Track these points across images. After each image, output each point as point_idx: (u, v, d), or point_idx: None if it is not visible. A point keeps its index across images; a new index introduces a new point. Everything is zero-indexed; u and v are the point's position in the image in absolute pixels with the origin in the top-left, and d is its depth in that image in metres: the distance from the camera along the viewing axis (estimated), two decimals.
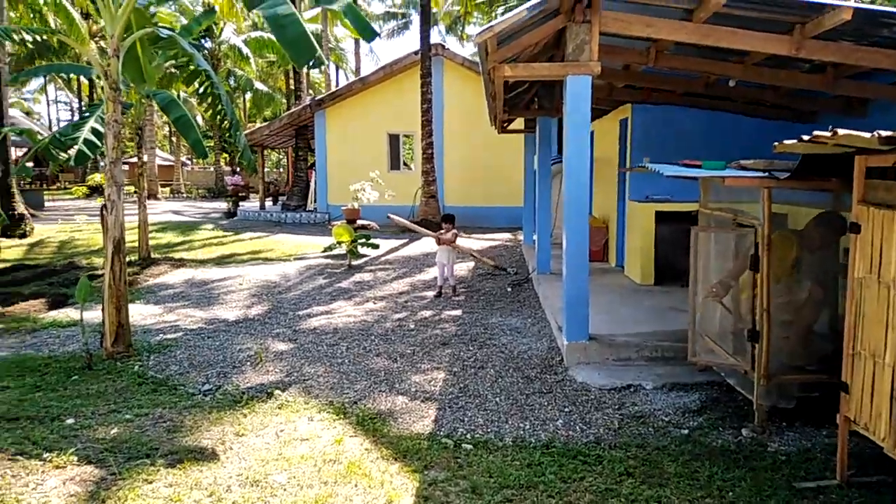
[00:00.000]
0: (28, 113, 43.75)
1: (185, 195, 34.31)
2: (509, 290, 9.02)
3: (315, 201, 19.48)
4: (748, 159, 4.49)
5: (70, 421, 4.34)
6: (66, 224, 17.38)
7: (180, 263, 11.58)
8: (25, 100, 50.13)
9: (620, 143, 9.30)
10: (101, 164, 41.13)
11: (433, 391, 4.98)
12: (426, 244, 13.89)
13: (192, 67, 7.34)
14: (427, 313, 7.63)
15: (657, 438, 4.13)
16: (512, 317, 7.33)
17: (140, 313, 7.85)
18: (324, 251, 11.85)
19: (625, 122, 8.88)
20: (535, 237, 13.08)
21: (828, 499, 3.36)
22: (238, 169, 32.59)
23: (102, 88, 6.43)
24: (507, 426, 4.33)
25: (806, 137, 3.15)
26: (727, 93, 7.71)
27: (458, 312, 7.63)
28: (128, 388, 5.18)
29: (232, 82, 40.53)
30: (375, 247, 11.56)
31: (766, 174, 4.10)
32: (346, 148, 18.53)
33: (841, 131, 2.93)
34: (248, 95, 43.90)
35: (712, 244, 4.87)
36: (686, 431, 4.21)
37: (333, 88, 26.34)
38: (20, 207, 15.13)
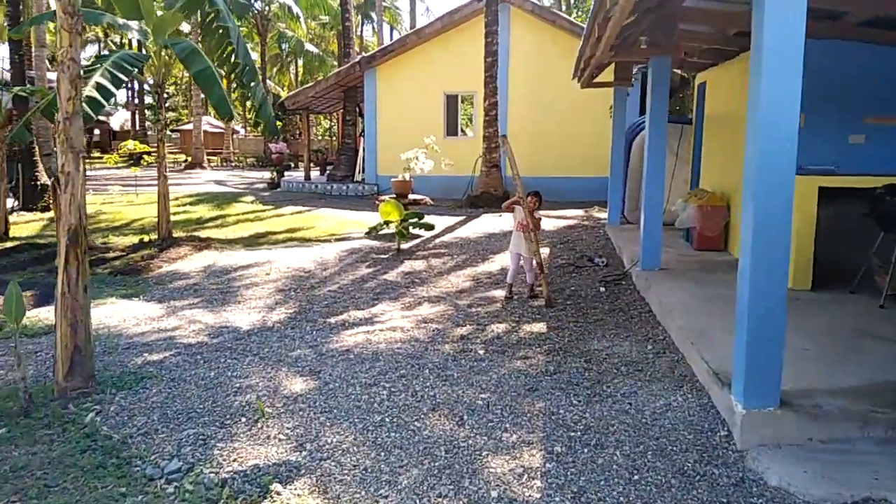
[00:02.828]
0: None
1: (234, 164, 33.19)
2: (602, 289, 6.94)
3: (363, 171, 17.63)
4: None
5: None
6: (97, 196, 16.12)
7: (205, 244, 9.93)
8: None
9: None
10: (137, 128, 40.02)
11: (529, 499, 3.00)
12: (487, 223, 11.86)
13: None
14: (499, 328, 5.63)
15: None
16: (619, 338, 5.26)
17: (135, 316, 6.17)
18: (368, 232, 9.99)
19: None
20: (623, 214, 10.82)
21: None
22: (285, 137, 31.13)
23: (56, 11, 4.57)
24: None
25: None
26: None
27: (541, 327, 5.61)
28: (62, 459, 3.44)
29: (284, 47, 39.01)
30: (430, 227, 9.63)
31: None
32: (398, 111, 16.51)
33: None
34: (301, 61, 42.38)
35: None
36: None
37: None
38: (43, 178, 13.85)
